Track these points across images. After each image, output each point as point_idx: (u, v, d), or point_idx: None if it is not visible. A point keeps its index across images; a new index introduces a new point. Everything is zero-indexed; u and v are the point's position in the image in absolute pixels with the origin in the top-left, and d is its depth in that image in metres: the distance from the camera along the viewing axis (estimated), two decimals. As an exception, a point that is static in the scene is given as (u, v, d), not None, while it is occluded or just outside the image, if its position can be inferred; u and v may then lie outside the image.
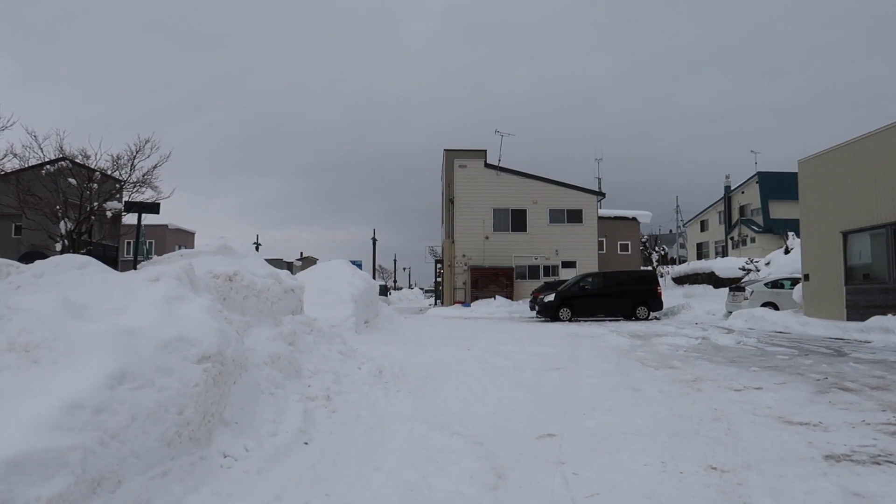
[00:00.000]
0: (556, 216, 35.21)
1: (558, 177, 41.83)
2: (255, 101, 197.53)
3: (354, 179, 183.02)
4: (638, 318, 22.22)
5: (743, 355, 10.77)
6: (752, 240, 48.83)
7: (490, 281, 33.88)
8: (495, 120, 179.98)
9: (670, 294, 30.70)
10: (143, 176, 14.07)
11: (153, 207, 10.31)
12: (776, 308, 20.48)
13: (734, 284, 25.04)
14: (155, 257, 9.17)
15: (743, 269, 30.88)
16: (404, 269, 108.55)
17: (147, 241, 41.24)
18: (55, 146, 14.28)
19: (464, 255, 34.95)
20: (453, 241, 35.18)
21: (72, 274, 6.00)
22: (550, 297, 22.80)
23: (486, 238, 34.91)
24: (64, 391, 3.65)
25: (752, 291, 21.25)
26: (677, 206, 69.55)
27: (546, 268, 34.91)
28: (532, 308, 26.29)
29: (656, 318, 22.40)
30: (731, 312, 20.73)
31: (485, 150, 35.75)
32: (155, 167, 14.23)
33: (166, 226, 48.67)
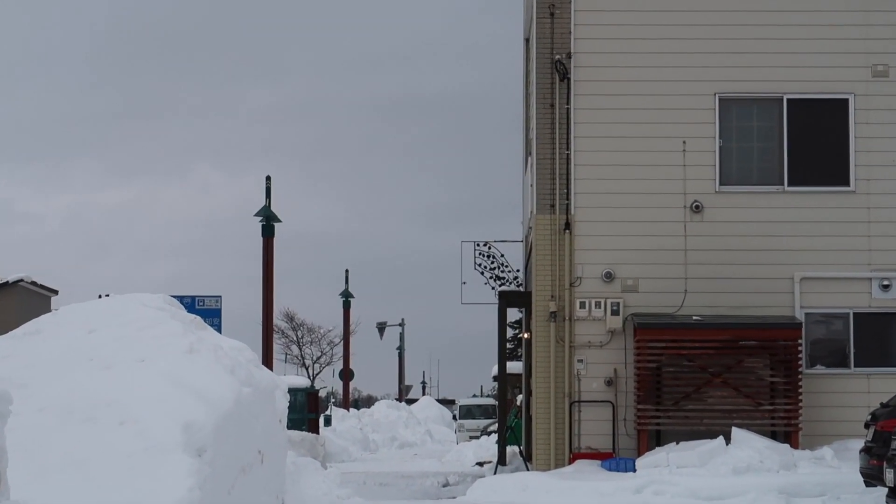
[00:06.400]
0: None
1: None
2: None
3: (198, 21, 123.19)
4: None
5: None
6: None
7: (708, 374, 23.36)
8: None
9: None
10: None
11: None
12: None
13: None
14: None
15: None
16: (381, 327, 66.52)
17: None
18: None
19: (608, 275, 24.22)
20: (568, 224, 24.29)
21: None
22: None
23: (696, 209, 24.55)
24: None
25: None
26: None
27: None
28: (872, 474, 18.08)
29: None
30: None
31: None
32: None
33: None
